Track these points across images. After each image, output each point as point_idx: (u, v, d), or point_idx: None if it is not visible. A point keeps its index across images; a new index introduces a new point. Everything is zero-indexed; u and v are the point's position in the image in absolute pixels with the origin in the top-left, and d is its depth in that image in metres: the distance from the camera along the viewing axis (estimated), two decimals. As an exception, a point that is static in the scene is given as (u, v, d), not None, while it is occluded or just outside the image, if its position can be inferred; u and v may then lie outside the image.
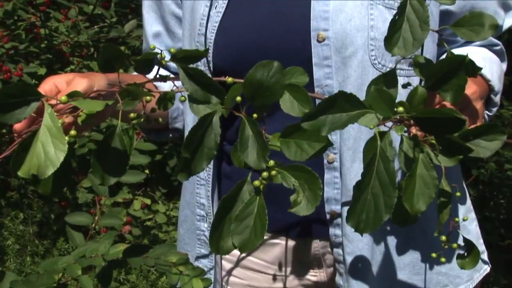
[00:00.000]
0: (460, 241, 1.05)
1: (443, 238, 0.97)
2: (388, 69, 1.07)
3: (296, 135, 0.81)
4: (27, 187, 3.37)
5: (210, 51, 1.12)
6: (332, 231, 1.13)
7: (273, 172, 0.81)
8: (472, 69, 0.91)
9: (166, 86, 1.22)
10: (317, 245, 1.17)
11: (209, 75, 1.12)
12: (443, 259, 1.03)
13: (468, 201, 1.22)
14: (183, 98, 0.83)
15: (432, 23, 0.94)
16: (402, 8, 0.86)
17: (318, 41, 1.06)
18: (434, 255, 1.03)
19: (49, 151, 0.70)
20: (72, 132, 0.74)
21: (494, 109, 1.18)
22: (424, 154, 0.80)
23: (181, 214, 1.27)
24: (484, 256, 1.23)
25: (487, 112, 1.17)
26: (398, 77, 0.90)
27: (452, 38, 1.19)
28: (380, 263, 1.12)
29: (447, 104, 0.94)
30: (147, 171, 3.11)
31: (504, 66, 1.24)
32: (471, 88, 1.03)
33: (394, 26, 0.87)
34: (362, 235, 0.81)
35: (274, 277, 1.22)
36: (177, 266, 0.99)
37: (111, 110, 0.90)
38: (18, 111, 0.71)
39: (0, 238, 3.15)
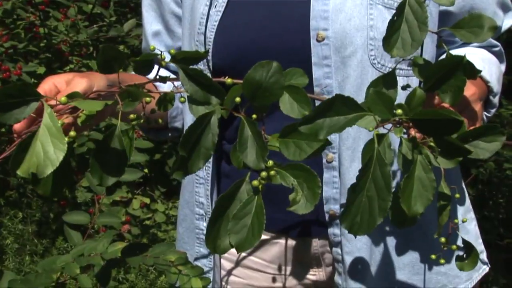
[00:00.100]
0: (460, 242, 1.05)
1: (442, 239, 0.97)
2: (387, 69, 1.07)
3: (294, 135, 0.81)
4: (26, 186, 3.37)
5: (210, 50, 1.12)
6: (331, 230, 1.13)
7: (272, 172, 0.81)
8: (471, 71, 0.91)
9: (165, 86, 1.23)
10: (316, 244, 1.17)
11: (209, 74, 1.12)
12: (442, 261, 1.03)
13: (467, 201, 1.22)
14: (182, 99, 0.83)
15: (431, 23, 0.94)
16: (401, 9, 0.86)
17: (318, 41, 1.06)
18: (433, 256, 1.03)
19: (48, 151, 0.70)
20: (72, 133, 0.74)
21: (493, 110, 1.19)
22: (423, 156, 0.80)
23: (180, 213, 1.27)
24: (483, 255, 1.23)
25: (485, 113, 1.17)
26: (397, 77, 0.90)
27: (451, 38, 1.19)
28: (379, 262, 1.12)
29: (446, 105, 0.94)
30: (146, 170, 3.11)
31: (503, 67, 1.24)
32: (470, 90, 1.04)
33: (393, 27, 0.87)
34: (355, 237, 0.81)
35: (274, 276, 1.22)
36: (176, 265, 0.99)
37: (110, 110, 0.90)
38: (17, 111, 0.71)
39: (-1, 237, 3.15)
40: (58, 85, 0.96)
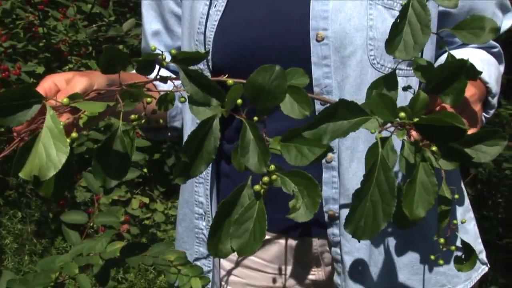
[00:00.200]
0: (459, 243, 1.05)
1: (442, 240, 0.97)
2: (387, 69, 1.07)
3: (297, 139, 0.81)
4: (25, 186, 3.36)
5: (209, 49, 1.12)
6: (330, 230, 1.13)
7: (274, 177, 0.80)
8: (472, 72, 0.91)
9: (165, 85, 1.22)
10: (315, 244, 1.17)
11: (208, 73, 1.12)
12: (441, 262, 1.03)
13: (466, 201, 1.22)
14: (183, 99, 0.83)
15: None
16: (404, 11, 0.86)
17: (317, 41, 1.06)
18: (432, 257, 1.03)
19: (51, 153, 0.70)
20: (73, 135, 0.74)
21: (492, 111, 1.19)
22: (426, 159, 0.80)
23: (180, 212, 1.27)
24: (483, 255, 1.23)
25: (484, 114, 1.17)
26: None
27: (450, 39, 1.19)
28: (378, 263, 1.12)
29: (447, 106, 0.94)
30: (145, 170, 3.11)
31: (502, 68, 1.24)
32: (470, 91, 1.04)
33: (396, 29, 0.87)
34: (359, 240, 0.81)
35: (273, 276, 1.22)
36: (176, 265, 0.99)
37: (110, 110, 0.90)
38: (20, 114, 0.71)
39: (-2, 237, 3.15)
40: (58, 83, 0.96)
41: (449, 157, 0.82)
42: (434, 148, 0.81)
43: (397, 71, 1.03)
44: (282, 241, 1.19)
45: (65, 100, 0.75)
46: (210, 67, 1.13)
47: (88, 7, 3.18)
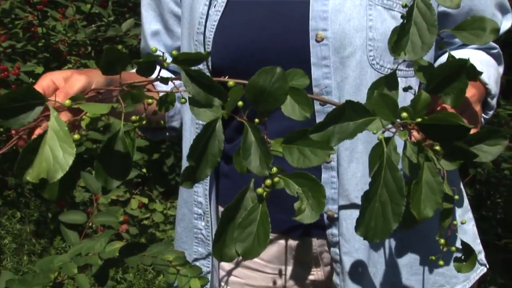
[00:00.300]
0: (458, 244, 1.05)
1: (442, 241, 0.97)
2: (386, 70, 1.08)
3: (299, 141, 0.81)
4: (24, 186, 3.36)
5: (209, 50, 1.12)
6: (329, 230, 1.13)
7: (276, 179, 0.80)
8: (473, 72, 0.91)
9: (164, 85, 1.22)
10: (314, 244, 1.17)
11: (208, 73, 1.12)
12: (441, 262, 1.03)
13: (466, 202, 1.23)
14: (183, 100, 0.83)
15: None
16: (409, 12, 0.86)
17: (317, 41, 1.06)
18: (433, 258, 1.03)
19: (57, 155, 0.70)
20: (76, 136, 0.74)
21: (491, 112, 1.19)
22: (429, 159, 0.80)
23: (179, 212, 1.27)
24: (481, 256, 1.23)
25: (483, 115, 1.17)
26: None
27: (450, 39, 1.19)
28: (377, 263, 1.12)
29: (447, 107, 0.94)
30: (144, 170, 3.11)
31: (501, 69, 1.24)
32: (470, 92, 1.04)
33: (402, 30, 0.87)
34: (371, 241, 0.81)
35: (272, 276, 1.22)
36: (174, 265, 0.99)
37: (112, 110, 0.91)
38: (22, 116, 0.71)
39: (-3, 237, 3.15)
40: (56, 81, 0.96)
41: (452, 156, 0.82)
42: (437, 148, 0.81)
43: (397, 72, 1.03)
44: (282, 241, 1.19)
45: (67, 102, 0.75)
46: (210, 67, 1.13)
47: (87, 7, 3.17)
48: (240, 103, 0.80)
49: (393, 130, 0.80)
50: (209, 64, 1.13)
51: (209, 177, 1.19)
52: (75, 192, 2.92)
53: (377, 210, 0.78)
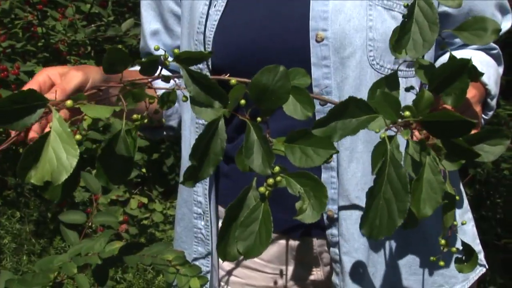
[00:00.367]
0: (458, 244, 1.05)
1: (443, 242, 0.97)
2: (386, 70, 1.08)
3: (301, 140, 0.80)
4: (24, 186, 3.36)
5: (209, 49, 1.12)
6: (329, 231, 1.13)
7: (278, 178, 0.80)
8: (474, 73, 0.91)
9: (161, 84, 1.22)
10: (315, 244, 1.17)
11: (208, 73, 1.12)
12: (442, 263, 1.03)
13: (465, 202, 1.23)
14: (184, 98, 0.83)
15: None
16: (411, 11, 0.86)
17: (317, 41, 1.06)
18: (433, 258, 1.03)
19: (61, 157, 0.69)
20: (78, 137, 0.74)
21: (490, 113, 1.19)
22: (431, 158, 0.80)
23: (178, 212, 1.27)
24: (481, 256, 1.23)
25: (483, 116, 1.18)
26: None
27: (450, 40, 1.19)
28: (377, 263, 1.12)
29: (448, 107, 0.94)
30: (144, 170, 3.11)
31: (501, 70, 1.24)
32: (470, 92, 1.04)
33: (403, 29, 0.87)
34: (376, 239, 0.80)
35: (272, 276, 1.22)
36: (174, 264, 0.99)
37: (108, 102, 0.91)
38: (25, 118, 0.70)
39: (-3, 237, 3.15)
40: (52, 77, 0.96)
41: (455, 156, 0.82)
42: (439, 146, 0.81)
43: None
44: (282, 241, 1.19)
45: (69, 102, 0.74)
46: (210, 67, 1.13)
47: (87, 7, 3.17)
48: (242, 101, 0.80)
49: (395, 129, 0.80)
50: (209, 63, 1.13)
51: (208, 177, 1.19)
52: (75, 192, 2.92)
53: (382, 207, 0.78)
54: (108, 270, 1.01)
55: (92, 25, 3.14)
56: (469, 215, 1.23)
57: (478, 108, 1.07)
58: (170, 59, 0.79)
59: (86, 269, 1.01)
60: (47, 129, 0.81)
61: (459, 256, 1.02)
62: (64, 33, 3.01)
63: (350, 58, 1.06)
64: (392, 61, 1.07)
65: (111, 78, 1.04)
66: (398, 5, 1.07)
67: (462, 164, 0.85)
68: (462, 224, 1.12)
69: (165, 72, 0.82)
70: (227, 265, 1.24)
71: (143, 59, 0.78)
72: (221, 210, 1.22)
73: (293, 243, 1.18)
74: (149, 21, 1.27)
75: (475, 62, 1.07)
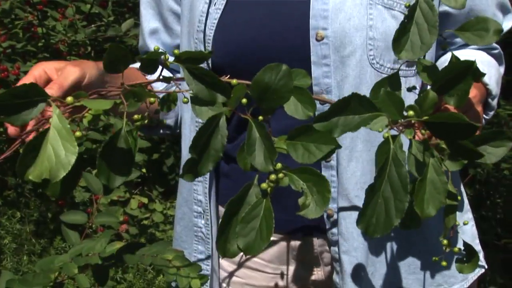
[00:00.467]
0: (459, 244, 1.05)
1: (445, 242, 0.97)
2: (386, 69, 1.08)
3: (303, 137, 0.80)
4: (24, 186, 3.36)
5: (209, 48, 1.12)
6: (329, 229, 1.13)
7: (281, 175, 0.80)
8: (476, 74, 0.91)
9: (160, 86, 1.22)
10: (315, 243, 1.17)
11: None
12: (444, 263, 1.03)
13: (465, 202, 1.23)
14: (185, 100, 0.83)
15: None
16: (412, 12, 0.86)
17: (317, 40, 1.06)
18: (435, 258, 1.03)
19: (60, 154, 0.69)
20: (78, 134, 0.74)
21: (491, 113, 1.19)
22: (435, 158, 0.80)
23: (178, 211, 1.27)
24: (480, 256, 1.23)
25: (484, 115, 1.17)
26: None
27: (451, 39, 1.19)
28: (376, 262, 1.12)
29: (451, 107, 0.94)
30: (144, 170, 3.11)
31: (502, 69, 1.24)
32: (472, 92, 1.04)
33: (403, 29, 0.87)
34: (372, 237, 0.80)
35: (273, 276, 1.22)
36: (174, 263, 0.99)
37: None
38: (24, 112, 0.70)
39: (-3, 237, 3.15)
40: (48, 72, 0.95)
41: (458, 156, 0.82)
42: (443, 146, 0.81)
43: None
44: (283, 241, 1.19)
45: (69, 99, 0.74)
46: (210, 65, 1.13)
47: (87, 7, 3.17)
48: (244, 100, 0.80)
49: (398, 128, 0.80)
50: (209, 62, 1.13)
51: (209, 176, 1.19)
52: (75, 192, 2.92)
53: (380, 205, 0.78)
54: (109, 270, 1.01)
55: (92, 25, 3.14)
56: (469, 215, 1.23)
57: (479, 108, 1.07)
58: (170, 59, 0.79)
59: (87, 269, 1.01)
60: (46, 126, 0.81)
61: (460, 256, 1.02)
62: (64, 33, 3.01)
63: (350, 57, 1.06)
64: (392, 60, 1.07)
65: (108, 75, 1.04)
66: (398, 4, 1.07)
67: (467, 162, 0.85)
68: (464, 224, 1.12)
69: (165, 73, 0.82)
70: (227, 265, 1.24)
71: (143, 57, 0.78)
72: (222, 210, 1.22)
73: (294, 243, 1.18)
74: (148, 20, 1.27)
75: (476, 62, 1.08)
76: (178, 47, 1.24)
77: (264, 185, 0.81)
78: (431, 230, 1.13)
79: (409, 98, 1.07)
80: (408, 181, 0.76)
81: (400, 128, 0.80)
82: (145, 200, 3.16)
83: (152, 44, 1.27)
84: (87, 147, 2.72)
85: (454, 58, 0.95)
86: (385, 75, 1.06)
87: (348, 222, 1.10)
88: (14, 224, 3.23)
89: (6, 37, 2.91)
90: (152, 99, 0.81)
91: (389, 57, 1.07)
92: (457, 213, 1.18)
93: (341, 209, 1.10)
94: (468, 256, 1.01)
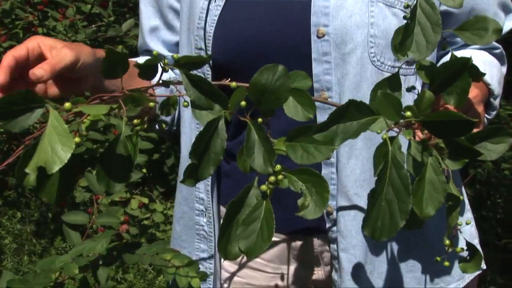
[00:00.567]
0: (460, 244, 1.05)
1: (447, 242, 0.97)
2: (386, 67, 1.08)
3: (302, 138, 0.81)
4: (25, 186, 3.36)
5: (210, 44, 1.12)
6: (328, 227, 1.13)
7: (280, 177, 0.80)
8: (475, 73, 0.91)
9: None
10: (315, 243, 1.17)
11: (208, 68, 1.12)
12: (446, 263, 1.03)
13: (466, 202, 1.23)
14: (186, 103, 0.83)
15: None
16: (413, 12, 0.86)
17: (318, 37, 1.06)
18: (438, 258, 1.03)
19: (56, 148, 0.69)
20: (77, 139, 0.74)
21: (494, 113, 1.19)
22: (433, 158, 0.80)
23: (178, 210, 1.27)
24: (479, 256, 1.23)
25: (486, 115, 1.17)
26: None
27: (452, 39, 1.19)
28: (374, 260, 1.13)
29: (451, 107, 0.94)
30: (144, 170, 3.11)
31: (504, 69, 1.24)
32: (473, 92, 1.04)
33: (406, 31, 0.87)
34: (379, 240, 0.80)
35: (273, 276, 1.22)
36: (173, 262, 0.99)
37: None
38: (22, 118, 0.70)
39: (-2, 237, 3.15)
40: (42, 47, 0.93)
41: (457, 155, 0.82)
42: (442, 145, 0.81)
43: (396, 70, 1.04)
44: (284, 241, 1.19)
45: (67, 105, 0.74)
46: (210, 62, 1.13)
47: (87, 7, 3.17)
48: (243, 103, 0.80)
49: (397, 129, 0.80)
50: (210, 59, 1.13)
51: (210, 176, 1.18)
52: (76, 192, 2.92)
53: (384, 208, 0.78)
54: (109, 270, 1.01)
55: (93, 26, 3.14)
56: (469, 215, 1.23)
57: (480, 108, 1.07)
58: (169, 57, 0.79)
59: (87, 269, 1.01)
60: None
61: (463, 256, 1.02)
62: (64, 33, 3.01)
63: (351, 54, 1.06)
64: (392, 58, 1.07)
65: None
66: (399, 2, 1.07)
67: (466, 163, 0.85)
68: (467, 224, 1.12)
69: (164, 76, 0.82)
70: (228, 266, 1.24)
71: (141, 63, 0.78)
72: (223, 210, 1.22)
73: (294, 243, 1.18)
74: (149, 17, 1.27)
75: (477, 62, 1.07)
76: (178, 44, 1.24)
77: (263, 187, 0.81)
78: (431, 230, 1.13)
79: (409, 98, 1.07)
80: (409, 181, 0.76)
81: (399, 129, 0.80)
82: (145, 200, 3.16)
83: (152, 42, 1.27)
84: (87, 147, 2.72)
85: (453, 57, 0.95)
86: (386, 73, 1.06)
87: (347, 220, 1.10)
88: (14, 224, 3.23)
89: (6, 37, 2.91)
90: (151, 104, 0.81)
91: (390, 55, 1.07)
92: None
93: (340, 206, 1.10)
94: (471, 255, 1.01)
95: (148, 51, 1.28)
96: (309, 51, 1.07)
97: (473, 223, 1.23)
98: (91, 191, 2.76)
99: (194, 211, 1.22)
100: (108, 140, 2.66)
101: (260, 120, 0.81)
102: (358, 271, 1.12)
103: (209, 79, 1.12)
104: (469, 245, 1.01)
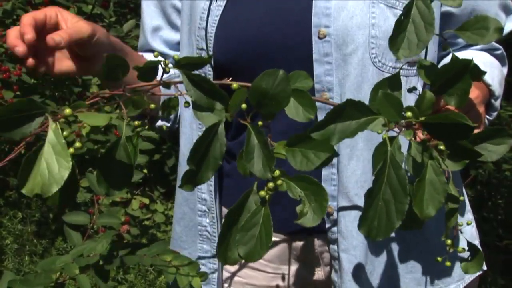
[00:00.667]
0: (461, 244, 1.05)
1: (448, 242, 0.97)
2: (388, 68, 1.08)
3: (302, 144, 0.80)
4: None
5: (211, 45, 1.12)
6: (329, 227, 1.13)
7: (279, 182, 0.80)
8: (476, 72, 0.91)
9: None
10: (316, 243, 1.17)
11: (210, 69, 1.12)
12: (448, 263, 1.03)
13: (466, 203, 1.23)
14: (187, 104, 0.83)
15: (433, 24, 0.95)
16: (408, 10, 0.86)
17: (319, 38, 1.06)
18: (439, 259, 1.03)
19: (53, 169, 0.70)
20: (77, 144, 0.74)
21: (494, 114, 1.19)
22: (434, 159, 0.80)
23: (178, 211, 1.27)
24: (479, 256, 1.23)
25: (487, 116, 1.17)
26: None
27: (453, 40, 1.19)
28: (374, 261, 1.13)
29: (452, 108, 0.94)
30: (145, 171, 3.11)
31: (505, 70, 1.24)
32: (473, 93, 1.04)
33: (399, 27, 0.87)
34: (374, 240, 0.80)
35: (273, 276, 1.22)
36: (174, 263, 0.99)
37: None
38: (23, 127, 0.71)
39: (-1, 237, 3.15)
40: (59, 16, 0.95)
41: (457, 156, 0.82)
42: (442, 147, 0.81)
43: (397, 70, 1.04)
44: (284, 241, 1.19)
45: (68, 111, 0.75)
46: (212, 62, 1.13)
47: (88, 8, 3.17)
48: (243, 105, 0.80)
49: (397, 130, 0.80)
50: (211, 59, 1.13)
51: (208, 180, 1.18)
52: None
53: (381, 208, 0.78)
54: (109, 270, 1.01)
55: (94, 26, 3.13)
56: (469, 216, 1.23)
57: (481, 109, 1.07)
58: (171, 57, 0.79)
59: (88, 270, 1.01)
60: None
61: (463, 256, 1.02)
62: (65, 34, 3.01)
63: (352, 55, 1.06)
64: (394, 59, 1.07)
65: (116, 44, 1.04)
66: (400, 3, 1.07)
67: (466, 163, 0.85)
68: (468, 224, 1.12)
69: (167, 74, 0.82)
70: (229, 266, 1.24)
71: (141, 66, 0.78)
72: (225, 211, 1.22)
73: (295, 243, 1.18)
74: (151, 17, 1.27)
75: (478, 63, 1.08)
76: (179, 43, 1.24)
77: (262, 193, 0.81)
78: (431, 230, 1.13)
79: (410, 99, 1.07)
80: (407, 182, 0.76)
81: (399, 129, 0.80)
82: (146, 201, 3.16)
83: (154, 42, 1.27)
84: (88, 147, 2.72)
85: (454, 58, 0.95)
86: (387, 74, 1.06)
87: (348, 221, 1.10)
88: (15, 225, 3.23)
89: (7, 37, 2.91)
90: (152, 106, 0.81)
91: (391, 56, 1.07)
92: (458, 214, 1.19)
93: (341, 207, 1.10)
94: (473, 256, 1.01)
95: (151, 51, 1.29)
96: (310, 52, 1.07)
97: (473, 224, 1.23)
98: (92, 192, 2.77)
99: (196, 212, 1.22)
100: (109, 141, 2.66)
101: (260, 123, 0.81)
102: (359, 272, 1.12)
103: (211, 79, 1.12)
104: (471, 245, 1.01)
